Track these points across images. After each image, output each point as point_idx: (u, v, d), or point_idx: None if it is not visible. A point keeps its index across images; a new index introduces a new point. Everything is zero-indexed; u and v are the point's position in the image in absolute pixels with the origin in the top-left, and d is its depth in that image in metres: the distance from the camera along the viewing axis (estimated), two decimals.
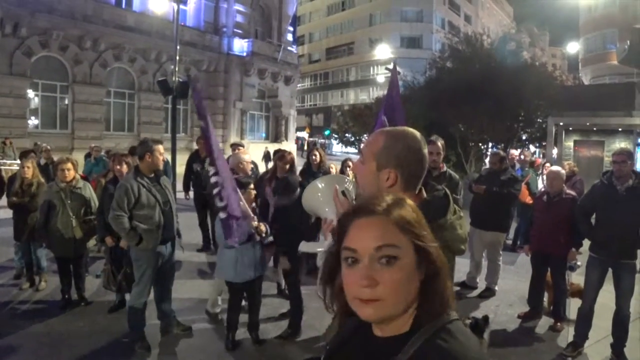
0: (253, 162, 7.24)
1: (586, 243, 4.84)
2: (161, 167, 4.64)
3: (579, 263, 5.34)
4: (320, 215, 1.83)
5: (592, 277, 4.56)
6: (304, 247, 1.92)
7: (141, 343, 4.45)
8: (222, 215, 4.01)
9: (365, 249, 0.96)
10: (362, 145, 1.69)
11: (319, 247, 1.79)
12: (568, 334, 5.08)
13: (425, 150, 1.60)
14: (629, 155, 4.35)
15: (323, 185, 1.84)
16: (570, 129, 18.93)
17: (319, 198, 1.82)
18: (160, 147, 4.51)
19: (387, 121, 4.41)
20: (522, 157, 10.59)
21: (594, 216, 4.70)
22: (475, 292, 6.44)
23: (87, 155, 10.47)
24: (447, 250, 1.14)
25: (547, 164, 10.45)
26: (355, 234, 0.99)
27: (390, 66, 32.44)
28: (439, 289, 0.99)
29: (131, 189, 4.32)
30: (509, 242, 8.72)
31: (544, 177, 9.44)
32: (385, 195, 1.05)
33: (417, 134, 1.61)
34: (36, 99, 19.98)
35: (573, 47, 40.98)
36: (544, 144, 21.12)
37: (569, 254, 5.20)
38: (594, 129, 18.53)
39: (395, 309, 0.97)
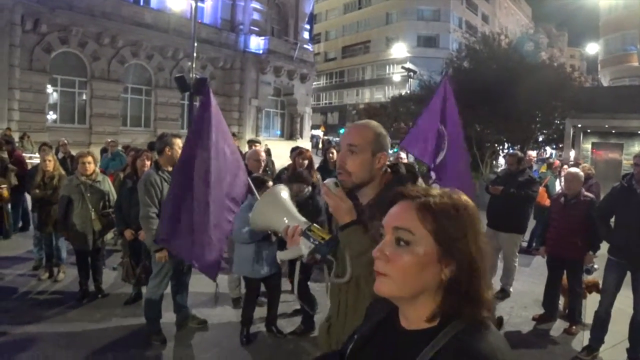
0: (271, 161, 7.30)
1: (604, 246, 4.79)
2: None
3: (596, 266, 5.28)
4: (279, 229, 1.90)
5: (610, 280, 4.51)
6: (282, 255, 1.95)
7: (157, 335, 4.51)
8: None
9: (388, 227, 1.04)
10: (349, 138, 1.86)
11: (296, 252, 1.83)
12: (583, 338, 5.04)
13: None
14: None
15: (269, 203, 1.93)
16: (589, 131, 18.70)
17: (271, 215, 1.91)
18: (179, 141, 4.53)
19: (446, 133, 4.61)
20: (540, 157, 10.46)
21: (612, 219, 4.66)
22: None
23: (103, 151, 10.59)
24: None
25: (565, 166, 10.36)
26: (389, 212, 1.06)
27: (407, 65, 32.35)
28: (471, 290, 0.98)
29: (155, 183, 4.36)
30: (525, 244, 8.65)
31: (562, 179, 9.37)
32: (437, 191, 1.08)
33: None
34: (55, 94, 20.29)
35: (592, 48, 40.42)
36: (560, 145, 20.90)
37: (586, 257, 5.14)
38: (613, 131, 18.29)
39: (401, 290, 1.00)
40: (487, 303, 1.00)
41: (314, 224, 1.81)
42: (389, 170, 1.91)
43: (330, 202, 1.79)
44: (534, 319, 5.58)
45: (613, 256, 4.49)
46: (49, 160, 6.03)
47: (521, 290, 6.51)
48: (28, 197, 7.09)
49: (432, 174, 4.85)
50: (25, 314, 4.97)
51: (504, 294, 6.32)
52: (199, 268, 3.87)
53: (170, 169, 4.52)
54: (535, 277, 6.91)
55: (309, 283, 5.03)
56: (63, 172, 6.24)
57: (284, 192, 1.98)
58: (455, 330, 0.96)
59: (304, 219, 1.87)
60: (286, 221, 1.86)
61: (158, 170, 4.45)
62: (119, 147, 9.70)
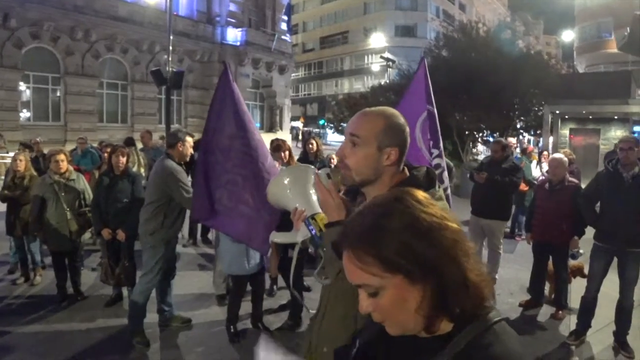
0: None
1: (590, 232, 4.79)
2: (188, 158, 4.61)
3: (581, 251, 5.30)
4: (289, 208, 1.77)
5: (596, 266, 4.51)
6: (276, 237, 1.85)
7: (140, 337, 4.38)
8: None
9: (353, 284, 0.94)
10: (352, 128, 1.58)
11: (291, 237, 1.73)
12: (570, 322, 5.06)
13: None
14: (635, 142, 4.28)
15: (289, 178, 1.79)
16: (566, 117, 18.92)
17: (286, 191, 1.77)
18: (191, 140, 4.56)
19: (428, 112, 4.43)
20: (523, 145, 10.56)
21: (598, 204, 4.66)
22: None
23: (74, 149, 10.28)
24: None
25: (545, 152, 10.44)
26: (344, 266, 0.95)
27: (386, 55, 32.35)
28: (460, 290, 0.88)
29: (179, 169, 4.31)
30: (507, 229, 8.70)
31: (542, 165, 9.46)
32: (363, 214, 0.93)
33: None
34: (28, 91, 19.76)
35: (568, 36, 40.81)
36: (539, 132, 21.12)
37: (571, 242, 5.16)
38: (590, 117, 18.53)
39: (406, 328, 0.92)
40: (483, 289, 0.90)
41: (321, 214, 1.65)
42: (406, 170, 1.62)
43: (319, 195, 1.62)
44: (520, 305, 5.59)
45: (599, 242, 4.49)
46: (20, 160, 5.80)
47: (506, 277, 6.52)
48: None
49: (439, 161, 4.65)
50: (1, 322, 4.77)
51: None
52: (251, 245, 3.97)
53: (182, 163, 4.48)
54: (519, 263, 6.93)
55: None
56: (34, 173, 6.00)
57: (310, 173, 1.80)
58: (471, 335, 0.89)
59: (316, 205, 1.71)
60: (296, 202, 1.72)
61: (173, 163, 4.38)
62: (89, 145, 9.38)
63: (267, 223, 3.69)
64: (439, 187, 1.59)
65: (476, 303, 0.90)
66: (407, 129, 1.60)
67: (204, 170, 3.87)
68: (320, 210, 1.69)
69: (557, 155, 5.61)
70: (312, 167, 1.89)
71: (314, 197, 1.76)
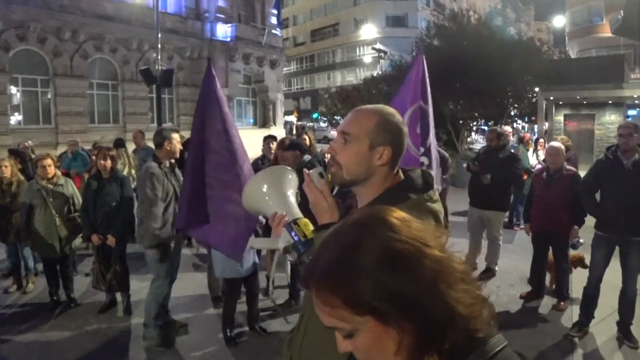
0: None
1: (591, 220, 4.71)
2: (178, 155, 4.52)
3: (581, 240, 5.22)
4: (266, 214, 1.68)
5: (598, 255, 4.43)
6: (255, 243, 1.76)
7: (157, 342, 4.36)
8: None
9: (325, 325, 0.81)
10: (344, 125, 1.51)
11: (270, 243, 1.62)
12: (572, 313, 4.99)
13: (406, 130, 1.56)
14: (635, 128, 4.19)
15: (265, 182, 1.70)
16: (560, 103, 18.87)
17: (263, 196, 1.68)
18: (177, 135, 4.45)
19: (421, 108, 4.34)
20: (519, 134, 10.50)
21: (598, 193, 4.57)
22: (475, 273, 6.32)
23: (65, 152, 10.14)
24: (437, 222, 0.92)
25: (541, 140, 10.37)
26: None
27: (377, 46, 32.18)
28: (446, 327, 0.74)
29: (160, 177, 4.20)
30: (505, 220, 8.64)
31: (538, 153, 9.39)
32: (328, 245, 0.79)
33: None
34: (17, 95, 19.49)
35: (559, 21, 40.78)
36: (533, 119, 21.08)
37: (571, 232, 5.07)
38: (584, 102, 18.49)
39: None
40: (475, 319, 0.76)
41: (303, 218, 1.57)
42: (400, 173, 1.54)
43: (310, 196, 1.52)
44: (521, 296, 5.52)
45: (601, 231, 4.41)
46: (5, 166, 5.65)
47: (506, 268, 6.46)
48: None
49: (423, 159, 4.61)
50: None
51: (489, 272, 6.26)
52: (225, 252, 3.89)
53: (168, 163, 4.40)
54: (519, 254, 6.86)
55: None
56: (22, 178, 5.87)
57: (288, 175, 1.71)
58: None
59: (297, 209, 1.63)
60: (275, 207, 1.63)
61: (160, 165, 4.29)
62: (80, 147, 9.25)
63: (240, 229, 3.62)
64: (435, 190, 1.50)
65: (469, 335, 0.76)
66: (405, 130, 1.52)
67: (192, 175, 3.79)
68: (301, 215, 1.61)
69: (554, 143, 5.52)
70: (289, 168, 1.79)
71: (293, 200, 1.69)
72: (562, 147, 5.31)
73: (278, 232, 1.60)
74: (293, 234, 1.54)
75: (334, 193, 1.59)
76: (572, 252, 5.48)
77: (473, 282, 0.78)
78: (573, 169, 5.31)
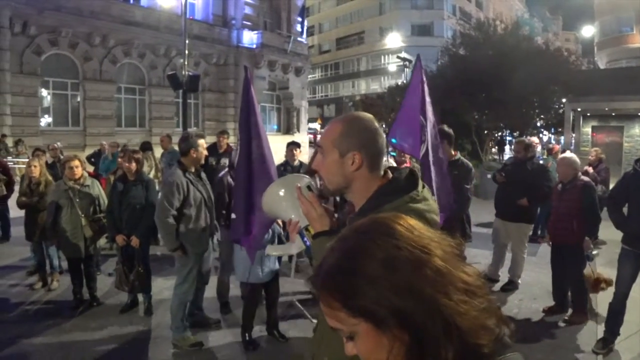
0: None
1: (610, 233, 4.59)
2: (203, 161, 4.58)
3: (594, 252, 5.09)
4: (284, 219, 1.75)
5: (625, 270, 4.31)
6: (272, 250, 1.79)
7: (189, 344, 4.39)
8: (232, 216, 3.91)
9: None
10: (319, 139, 1.63)
11: (286, 249, 1.66)
12: (597, 330, 4.87)
13: (380, 129, 1.56)
14: None
15: (283, 189, 1.74)
16: (588, 114, 18.47)
17: (280, 201, 1.73)
18: (203, 142, 4.47)
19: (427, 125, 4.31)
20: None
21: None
22: (497, 285, 6.23)
23: (96, 154, 10.33)
24: (424, 221, 0.91)
25: (567, 151, 10.20)
26: None
27: (402, 55, 32.08)
28: (445, 341, 0.72)
29: (181, 185, 4.23)
30: (530, 233, 8.49)
31: None
32: (333, 250, 0.80)
33: (368, 114, 1.59)
34: (48, 97, 20.02)
35: (588, 31, 40.06)
36: (560, 130, 20.73)
37: (584, 243, 4.97)
38: (613, 114, 18.07)
39: None
40: (478, 332, 0.73)
41: None
42: (389, 173, 1.57)
43: (302, 207, 1.59)
44: (543, 310, 5.40)
45: (628, 245, 4.29)
46: (35, 166, 5.81)
47: (529, 281, 6.34)
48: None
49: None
50: (18, 326, 4.78)
51: (512, 285, 6.15)
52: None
53: (194, 170, 4.44)
54: (542, 267, 6.72)
55: None
56: (50, 178, 6.02)
57: (305, 182, 1.74)
58: None
59: None
60: (291, 213, 1.68)
61: (185, 172, 4.32)
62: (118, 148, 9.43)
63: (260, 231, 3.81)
64: (423, 186, 1.50)
65: (470, 349, 0.73)
66: (372, 128, 1.52)
67: (243, 186, 3.89)
68: None
69: (566, 154, 5.49)
70: (307, 176, 1.82)
71: None
72: (572, 158, 5.28)
73: (293, 238, 1.66)
74: (305, 239, 1.61)
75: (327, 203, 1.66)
76: (586, 273, 5.30)
77: (480, 294, 0.76)
78: (586, 178, 5.22)
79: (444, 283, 0.73)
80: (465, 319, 0.73)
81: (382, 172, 1.54)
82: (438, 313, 0.72)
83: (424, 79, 4.58)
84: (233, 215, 3.95)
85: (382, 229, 0.79)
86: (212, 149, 8.21)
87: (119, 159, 5.85)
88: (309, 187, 1.60)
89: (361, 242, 0.78)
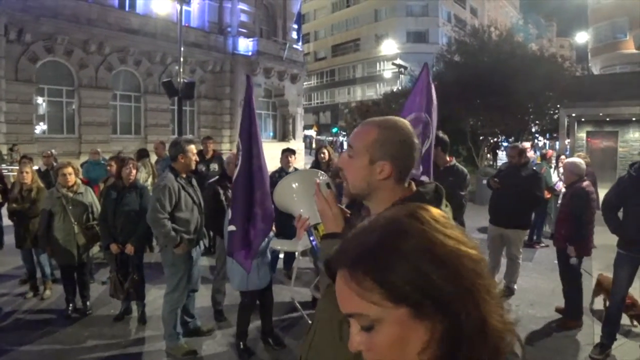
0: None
1: (612, 239, 4.57)
2: (194, 167, 4.56)
3: (573, 259, 5.03)
4: (293, 213, 1.71)
5: (621, 275, 4.30)
6: (277, 244, 1.77)
7: (182, 353, 4.35)
8: (229, 227, 3.86)
9: (344, 312, 0.76)
10: (350, 138, 1.53)
11: (292, 246, 1.63)
12: (594, 334, 4.84)
13: (417, 141, 1.49)
14: None
15: (297, 182, 1.72)
16: (583, 120, 18.57)
17: (292, 195, 1.71)
18: (193, 147, 4.44)
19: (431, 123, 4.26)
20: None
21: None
22: None
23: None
24: None
25: (562, 157, 10.21)
26: (336, 290, 0.78)
27: (398, 61, 32.18)
28: (477, 337, 0.70)
29: (173, 190, 4.22)
30: (525, 238, 8.49)
31: (559, 170, 9.24)
32: (370, 229, 0.77)
33: (408, 123, 1.50)
34: (43, 105, 19.96)
35: (582, 37, 40.30)
36: (555, 135, 20.80)
37: (567, 250, 5.02)
38: (607, 119, 18.16)
39: None
40: (503, 339, 0.72)
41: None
42: (413, 186, 1.50)
43: (317, 205, 1.54)
44: (557, 310, 5.42)
45: (624, 250, 4.28)
46: (27, 173, 5.76)
47: (526, 287, 6.32)
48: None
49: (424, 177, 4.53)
50: (10, 336, 4.73)
51: (508, 291, 6.12)
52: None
53: (185, 175, 4.43)
54: (539, 272, 6.73)
55: None
56: (42, 185, 5.97)
57: (324, 179, 1.70)
58: None
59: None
60: (302, 208, 1.65)
61: (177, 177, 4.32)
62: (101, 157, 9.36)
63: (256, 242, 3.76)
64: (447, 205, 1.46)
65: (492, 357, 0.71)
66: (410, 142, 1.45)
67: (245, 192, 3.83)
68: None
69: (571, 159, 5.58)
70: (324, 173, 1.78)
71: None
72: (576, 163, 5.26)
73: (300, 235, 1.62)
74: (312, 238, 1.57)
75: (344, 205, 1.60)
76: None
77: (502, 303, 0.75)
78: (585, 184, 5.18)
79: (481, 277, 0.72)
80: (496, 320, 0.71)
81: (407, 184, 1.49)
82: (477, 304, 0.70)
83: (431, 82, 4.55)
84: (231, 227, 3.88)
85: (428, 215, 0.77)
86: (199, 155, 8.16)
87: (109, 167, 5.83)
88: (328, 185, 1.55)
89: (409, 224, 0.75)
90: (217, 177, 5.59)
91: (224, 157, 6.43)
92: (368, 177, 1.44)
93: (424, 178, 4.20)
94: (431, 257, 0.70)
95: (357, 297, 0.72)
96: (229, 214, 3.89)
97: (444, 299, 0.69)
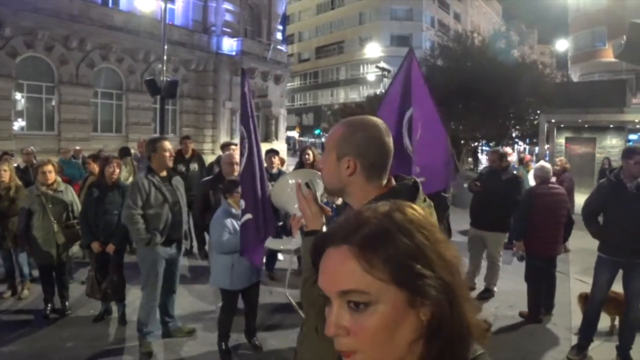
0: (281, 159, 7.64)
1: (591, 243, 4.67)
2: (170, 164, 4.56)
3: (516, 255, 5.70)
4: (289, 211, 1.77)
5: (601, 278, 4.38)
6: (271, 243, 1.81)
7: (144, 348, 4.33)
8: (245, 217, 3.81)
9: (330, 292, 0.77)
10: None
11: (286, 244, 1.67)
12: (571, 336, 4.93)
13: (388, 139, 1.51)
14: None
15: (293, 180, 1.75)
16: (562, 126, 18.93)
17: (288, 193, 1.75)
18: (165, 144, 4.44)
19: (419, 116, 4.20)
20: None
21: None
22: (474, 293, 6.26)
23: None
24: None
25: (541, 161, 10.38)
26: (321, 269, 0.79)
27: (381, 64, 32.32)
28: (455, 326, 0.74)
29: (142, 187, 4.30)
30: (505, 241, 8.59)
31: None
32: (370, 210, 0.80)
33: (379, 122, 1.54)
34: (22, 101, 19.57)
35: (562, 45, 41.01)
36: (534, 140, 21.13)
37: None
38: (586, 125, 18.53)
39: None
40: (477, 329, 0.77)
41: None
42: (392, 181, 1.54)
43: (298, 204, 1.60)
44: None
45: (605, 254, 4.35)
46: (5, 170, 5.63)
47: (505, 289, 6.40)
48: None
49: (416, 169, 4.50)
50: None
51: (488, 293, 6.21)
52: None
53: (163, 174, 4.46)
54: (518, 275, 6.75)
55: None
56: (19, 183, 5.84)
57: (317, 179, 1.74)
58: None
59: None
60: (296, 207, 1.68)
61: (148, 175, 4.38)
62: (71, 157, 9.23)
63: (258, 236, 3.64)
64: (424, 200, 1.49)
65: (463, 346, 0.76)
66: (376, 139, 1.48)
67: (252, 189, 3.81)
68: None
69: (540, 163, 6.03)
70: (319, 173, 1.80)
71: None
72: (538, 166, 5.70)
73: (295, 234, 1.69)
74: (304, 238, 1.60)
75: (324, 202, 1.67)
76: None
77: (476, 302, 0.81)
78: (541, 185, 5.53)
79: (445, 252, 0.78)
80: (474, 325, 0.76)
81: (384, 182, 1.51)
82: (458, 304, 0.75)
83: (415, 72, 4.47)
84: (247, 216, 3.74)
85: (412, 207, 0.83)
86: (178, 155, 8.09)
87: (89, 165, 5.75)
88: (307, 185, 1.60)
89: (405, 212, 0.80)
90: (211, 176, 5.62)
91: (221, 156, 6.39)
92: (337, 173, 1.50)
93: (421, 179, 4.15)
94: (432, 248, 0.76)
95: (362, 273, 0.74)
96: (242, 204, 3.83)
97: (440, 289, 0.73)
